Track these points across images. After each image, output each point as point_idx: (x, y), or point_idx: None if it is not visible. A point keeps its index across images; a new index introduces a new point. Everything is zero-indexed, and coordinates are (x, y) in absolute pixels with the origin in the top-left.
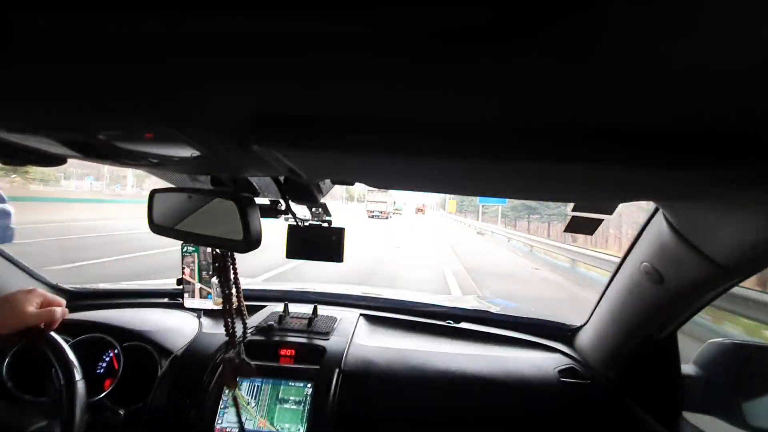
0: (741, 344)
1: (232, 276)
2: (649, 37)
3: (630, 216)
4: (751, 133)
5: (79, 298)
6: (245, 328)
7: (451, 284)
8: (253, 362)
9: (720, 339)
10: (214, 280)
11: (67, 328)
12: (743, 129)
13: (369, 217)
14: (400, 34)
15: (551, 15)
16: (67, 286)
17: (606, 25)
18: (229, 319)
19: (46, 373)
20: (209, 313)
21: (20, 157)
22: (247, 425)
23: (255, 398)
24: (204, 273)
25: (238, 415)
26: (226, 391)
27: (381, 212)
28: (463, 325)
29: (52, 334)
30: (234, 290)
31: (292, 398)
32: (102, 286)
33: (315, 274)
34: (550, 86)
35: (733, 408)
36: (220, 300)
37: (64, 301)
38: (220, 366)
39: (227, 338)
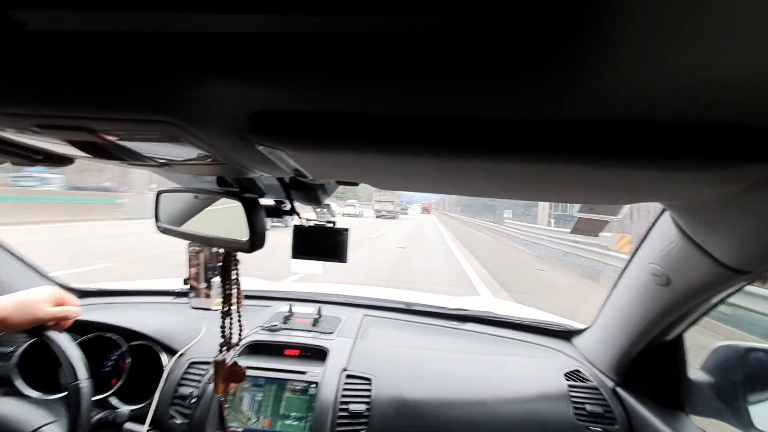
0: (750, 348)
1: (233, 276)
2: (652, 36)
3: None
4: (758, 133)
5: (86, 297)
6: (241, 331)
7: None
8: (257, 362)
9: (728, 342)
10: (215, 279)
11: (75, 326)
12: (751, 129)
13: (376, 216)
14: (402, 33)
15: (551, 14)
16: (74, 285)
17: (608, 22)
18: (227, 321)
19: (53, 371)
20: (216, 313)
21: (29, 158)
22: (251, 426)
23: (257, 413)
24: (209, 273)
25: (221, 422)
26: (231, 391)
27: (388, 212)
28: (468, 326)
29: (61, 332)
30: (235, 291)
31: (295, 397)
32: (109, 285)
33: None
34: (554, 84)
35: (741, 412)
36: (219, 301)
37: (78, 301)
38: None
39: (222, 339)
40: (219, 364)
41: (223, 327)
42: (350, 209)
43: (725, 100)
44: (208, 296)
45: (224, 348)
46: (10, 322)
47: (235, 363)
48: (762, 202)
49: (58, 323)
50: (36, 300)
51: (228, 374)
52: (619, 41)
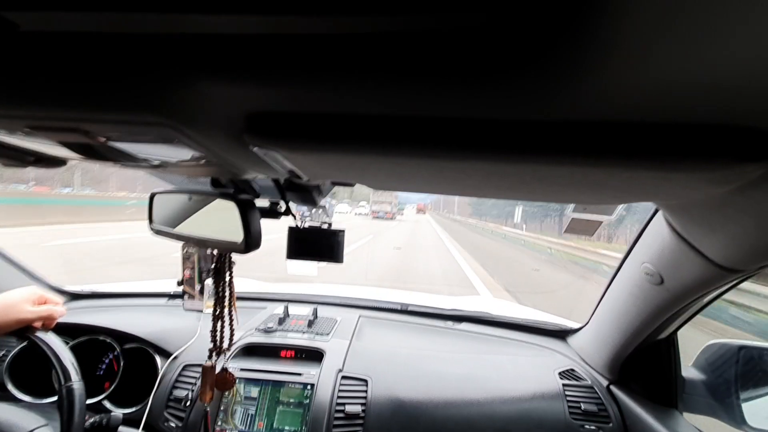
0: (742, 345)
1: (227, 278)
2: (647, 37)
3: None
4: (752, 134)
5: (78, 299)
6: (232, 335)
7: None
8: (252, 364)
9: (720, 340)
10: (209, 281)
11: (67, 329)
12: (744, 129)
13: (373, 218)
14: (397, 34)
15: (547, 15)
16: (67, 288)
17: (603, 23)
18: (218, 324)
19: (45, 375)
20: (209, 315)
21: (20, 159)
22: (247, 428)
23: (249, 426)
24: (204, 275)
25: (206, 425)
26: (226, 393)
27: (386, 213)
28: (463, 326)
29: (52, 335)
30: (228, 293)
31: (291, 400)
32: (102, 287)
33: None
34: (550, 85)
35: (734, 409)
36: (211, 303)
37: (61, 300)
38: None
39: (212, 344)
40: (207, 371)
41: (213, 331)
42: (362, 209)
43: (719, 101)
44: (201, 298)
45: (214, 353)
46: None
47: (224, 369)
48: (754, 201)
49: (43, 323)
50: (16, 301)
51: (217, 381)
52: (613, 43)
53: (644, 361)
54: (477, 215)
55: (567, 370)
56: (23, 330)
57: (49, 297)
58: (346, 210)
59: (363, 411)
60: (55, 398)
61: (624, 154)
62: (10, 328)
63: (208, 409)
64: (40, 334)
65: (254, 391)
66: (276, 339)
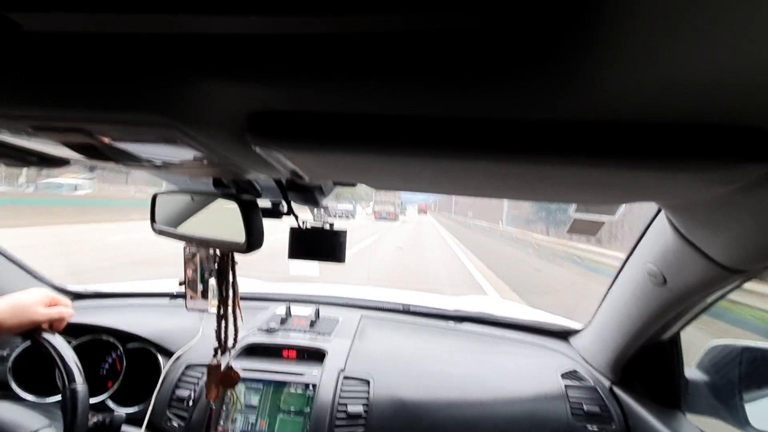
0: (745, 346)
1: (231, 278)
2: (648, 37)
3: None
4: (754, 133)
5: (82, 299)
6: (237, 334)
7: None
8: (254, 364)
9: (724, 341)
10: (212, 281)
11: (70, 329)
12: (747, 129)
13: (376, 219)
14: (398, 34)
15: (547, 15)
16: (70, 287)
17: (606, 22)
18: (222, 323)
19: (49, 374)
20: (212, 315)
21: (23, 159)
22: (249, 428)
23: (250, 428)
24: (206, 274)
25: (209, 424)
26: (228, 393)
27: (389, 213)
28: (465, 326)
29: (56, 335)
30: (231, 293)
31: (293, 400)
32: (105, 287)
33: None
34: (551, 85)
35: (737, 411)
36: (215, 302)
37: (70, 302)
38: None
39: (217, 343)
40: (212, 369)
41: (218, 330)
42: (370, 209)
43: (722, 100)
44: (204, 298)
45: (219, 352)
46: (4, 325)
47: (229, 367)
48: (757, 201)
49: (52, 325)
50: (29, 302)
51: (222, 379)
52: (616, 42)
53: (647, 362)
54: (547, 224)
55: (569, 371)
56: (32, 331)
57: (61, 299)
58: (359, 210)
59: (365, 411)
60: (58, 397)
61: (626, 154)
62: (22, 329)
63: (213, 407)
64: (46, 336)
65: (254, 400)
66: (278, 339)
